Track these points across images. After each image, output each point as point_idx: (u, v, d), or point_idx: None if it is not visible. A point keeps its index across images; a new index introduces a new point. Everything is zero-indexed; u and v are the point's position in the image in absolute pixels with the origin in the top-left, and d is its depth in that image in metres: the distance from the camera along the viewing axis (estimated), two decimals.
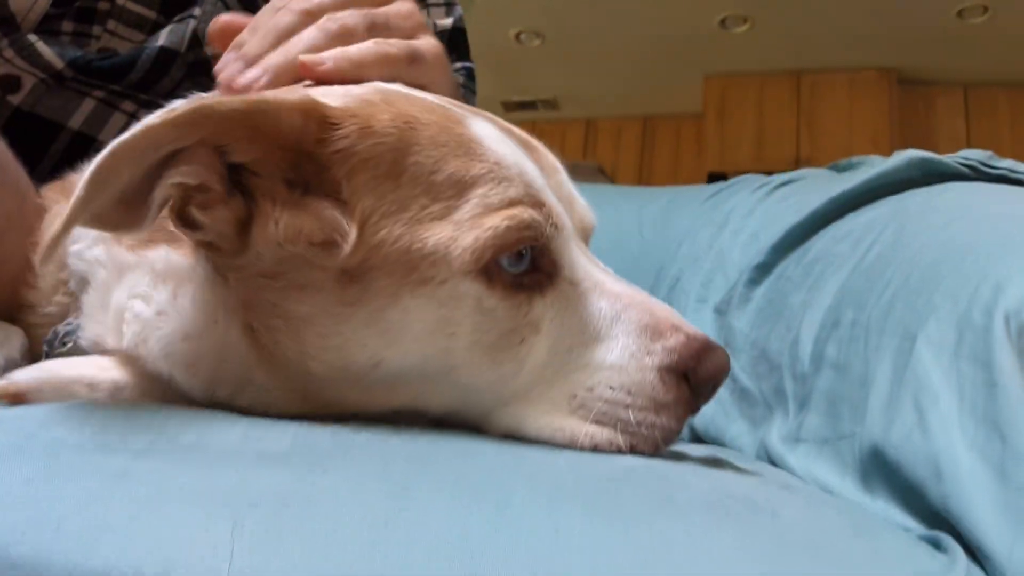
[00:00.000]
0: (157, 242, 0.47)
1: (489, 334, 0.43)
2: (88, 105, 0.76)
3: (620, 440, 0.44)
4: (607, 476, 0.38)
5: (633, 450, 0.44)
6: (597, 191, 1.81)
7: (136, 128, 0.36)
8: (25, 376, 0.45)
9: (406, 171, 0.43)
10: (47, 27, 0.76)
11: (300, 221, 0.41)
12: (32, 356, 0.55)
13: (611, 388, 0.45)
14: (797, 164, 4.80)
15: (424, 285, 0.42)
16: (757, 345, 0.84)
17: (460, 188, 0.43)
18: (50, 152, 0.75)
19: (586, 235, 0.51)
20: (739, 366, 0.86)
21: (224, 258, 0.43)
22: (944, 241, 0.68)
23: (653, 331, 0.46)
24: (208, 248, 0.43)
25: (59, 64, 0.73)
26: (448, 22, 0.98)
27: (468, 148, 0.45)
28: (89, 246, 0.51)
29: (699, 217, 1.25)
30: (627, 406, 0.44)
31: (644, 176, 5.49)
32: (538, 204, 0.45)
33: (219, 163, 0.41)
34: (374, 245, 0.42)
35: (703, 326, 1.00)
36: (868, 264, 0.75)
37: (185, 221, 0.42)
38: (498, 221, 0.43)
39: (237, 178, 0.42)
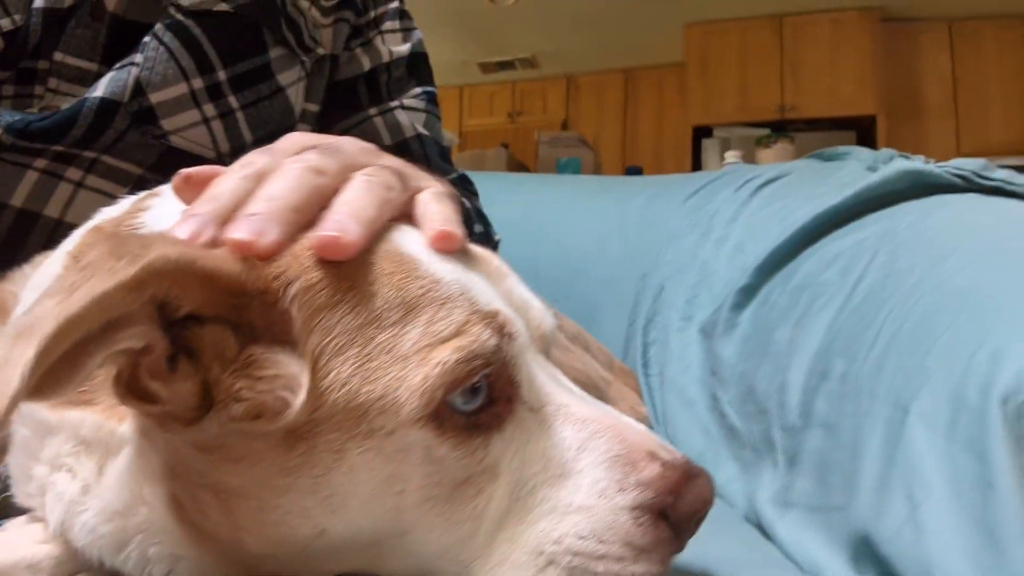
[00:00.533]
0: (78, 403, 0.42)
1: (441, 487, 0.39)
2: (31, 178, 0.71)
3: None
4: None
5: None
6: (576, 184, 1.77)
7: (84, 296, 0.32)
8: None
9: (346, 299, 0.39)
10: None
11: (256, 386, 0.37)
12: None
13: (581, 538, 0.40)
14: (782, 112, 4.73)
15: (371, 438, 0.38)
16: (745, 379, 0.81)
17: (403, 313, 0.39)
18: None
19: (544, 344, 0.47)
20: (727, 399, 0.84)
21: (170, 430, 0.38)
22: (939, 284, 0.65)
23: (625, 462, 0.42)
24: (155, 420, 0.38)
25: None
26: (405, 48, 0.92)
27: (404, 268, 0.40)
28: None
29: (682, 219, 1.21)
30: (600, 556, 0.40)
31: (628, 134, 5.39)
32: (487, 317, 0.41)
33: (159, 319, 0.37)
34: (322, 392, 0.37)
35: (688, 346, 0.98)
36: (858, 301, 0.71)
37: (136, 392, 0.37)
38: (447, 355, 0.38)
39: (178, 335, 0.38)
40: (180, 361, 0.37)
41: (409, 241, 0.43)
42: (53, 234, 0.72)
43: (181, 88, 0.74)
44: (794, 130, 4.38)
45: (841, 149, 1.16)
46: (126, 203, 0.52)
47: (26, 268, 0.58)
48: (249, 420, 0.36)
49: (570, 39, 5.13)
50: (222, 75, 0.77)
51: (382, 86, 0.91)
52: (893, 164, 0.90)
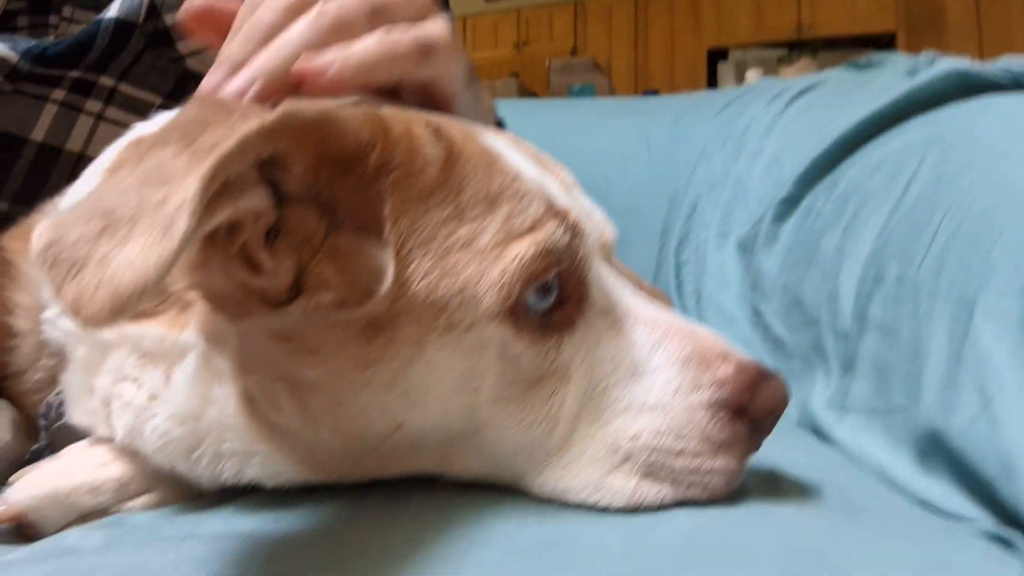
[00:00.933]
0: (137, 316, 0.42)
1: (514, 387, 0.39)
2: (50, 111, 0.69)
3: (676, 495, 0.40)
4: (666, 553, 0.35)
5: (692, 502, 0.40)
6: (595, 107, 1.73)
7: (230, 140, 0.30)
8: (21, 495, 0.41)
9: (438, 189, 0.38)
10: (3, 25, 0.69)
11: (343, 274, 0.36)
12: (27, 425, 0.51)
13: (658, 434, 0.40)
14: (799, 32, 4.59)
15: (450, 332, 0.38)
16: (789, 291, 0.80)
17: (485, 207, 0.39)
18: (15, 169, 0.69)
19: (607, 252, 0.46)
20: (771, 311, 0.83)
21: (253, 316, 0.37)
22: (996, 181, 0.62)
23: (698, 361, 0.42)
24: (241, 304, 0.37)
25: (13, 58, 0.66)
26: None
27: (489, 162, 0.41)
28: (60, 313, 0.46)
29: (712, 135, 1.18)
30: (678, 452, 0.40)
31: (640, 58, 5.26)
32: (560, 214, 0.41)
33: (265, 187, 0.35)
34: (404, 281, 0.37)
35: (726, 263, 0.96)
36: (909, 205, 0.69)
37: (245, 260, 0.35)
38: (524, 248, 0.39)
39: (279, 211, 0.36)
40: (279, 237, 0.36)
41: (492, 137, 0.43)
42: (75, 169, 0.71)
43: None
44: (811, 49, 4.25)
45: (876, 57, 1.11)
46: (161, 118, 0.52)
47: (57, 199, 0.57)
48: (334, 309, 0.36)
49: None
50: None
51: None
52: (938, 65, 0.86)
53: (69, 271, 0.25)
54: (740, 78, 4.32)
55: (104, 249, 0.26)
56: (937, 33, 4.59)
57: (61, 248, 0.26)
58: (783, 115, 1.06)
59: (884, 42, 4.52)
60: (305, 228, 0.36)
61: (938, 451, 0.53)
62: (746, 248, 0.92)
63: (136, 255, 0.26)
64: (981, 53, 4.55)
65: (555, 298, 0.40)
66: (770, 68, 3.42)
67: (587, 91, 3.85)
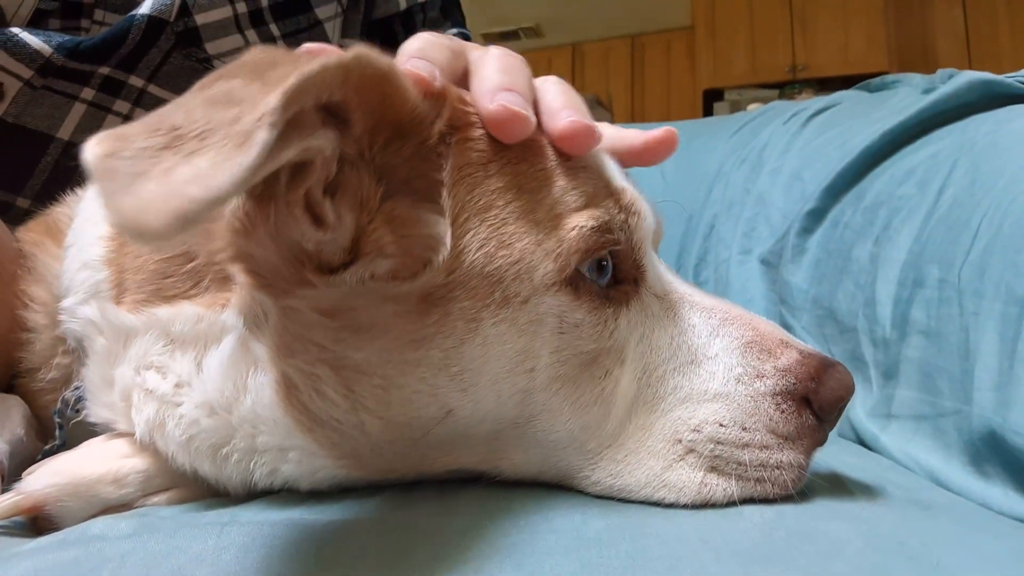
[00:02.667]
0: (169, 298, 0.40)
1: (570, 364, 0.37)
2: (78, 111, 0.69)
3: (745, 490, 0.38)
4: (747, 545, 0.33)
5: (760, 499, 0.38)
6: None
7: (311, 66, 0.28)
8: (40, 483, 0.38)
9: (496, 159, 0.37)
10: (35, 26, 0.69)
11: (400, 242, 0.34)
12: (39, 423, 0.49)
13: (721, 425, 0.38)
14: (794, 72, 4.66)
15: (505, 307, 0.36)
16: (820, 303, 0.78)
17: (542, 179, 0.38)
18: (40, 167, 0.68)
19: (656, 240, 0.45)
20: (801, 326, 0.81)
21: (303, 286, 0.35)
22: None
23: (760, 349, 0.40)
24: (294, 272, 0.35)
25: (47, 51, 0.66)
26: None
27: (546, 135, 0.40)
28: (80, 302, 0.44)
29: (727, 155, 1.17)
30: (744, 445, 0.38)
31: (637, 100, 5.32)
32: (617, 193, 0.40)
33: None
34: (460, 251, 0.35)
35: (749, 280, 0.95)
36: (944, 211, 0.68)
37: (308, 209, 0.33)
38: (583, 220, 0.37)
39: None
40: (337, 195, 0.34)
41: None
42: None
43: (226, 11, 0.73)
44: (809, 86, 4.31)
45: (890, 78, 1.12)
46: None
47: (78, 191, 0.56)
48: (388, 280, 0.34)
49: (575, 6, 5.05)
50: (264, 1, 0.76)
51: (417, 25, 0.91)
52: (961, 76, 0.86)
53: (128, 182, 0.23)
54: (746, 108, 4.38)
55: (169, 162, 0.24)
56: (928, 73, 4.66)
57: (120, 158, 0.24)
58: (800, 134, 1.06)
59: None
60: (361, 191, 0.34)
61: (995, 452, 0.51)
62: (771, 264, 0.91)
63: (207, 167, 0.24)
64: None
65: (610, 279, 0.39)
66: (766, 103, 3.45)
67: None
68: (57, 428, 0.46)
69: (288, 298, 0.35)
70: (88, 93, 0.69)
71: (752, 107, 2.86)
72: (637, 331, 0.40)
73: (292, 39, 0.78)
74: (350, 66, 0.30)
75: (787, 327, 0.84)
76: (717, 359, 0.40)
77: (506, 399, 0.37)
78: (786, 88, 3.65)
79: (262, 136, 0.25)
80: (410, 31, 0.90)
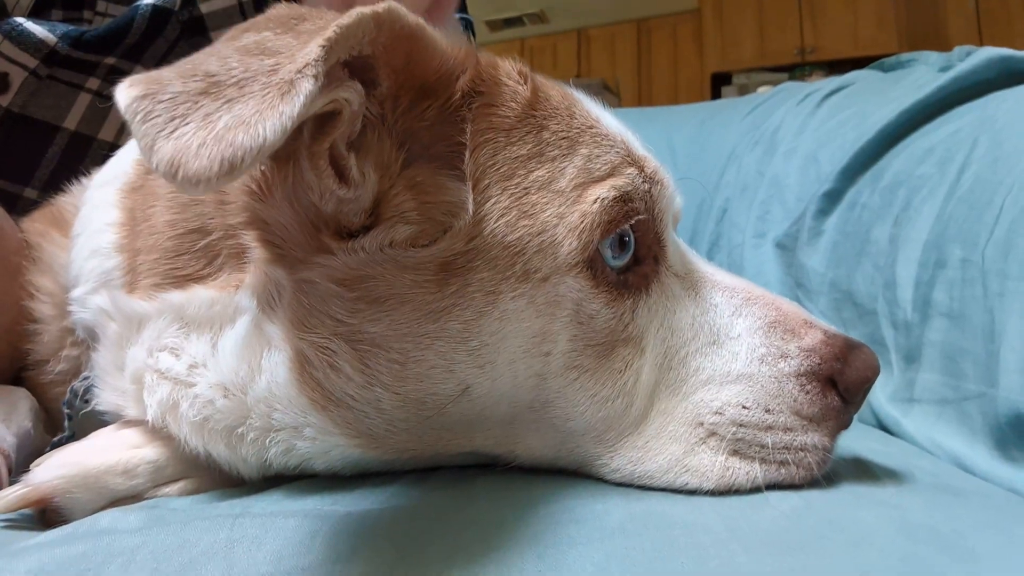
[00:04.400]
0: (183, 279, 0.39)
1: (587, 354, 0.36)
2: (83, 101, 0.69)
3: (768, 474, 0.36)
4: (775, 533, 0.31)
5: (785, 483, 0.37)
6: (618, 116, 1.71)
7: (347, 17, 0.28)
8: (48, 475, 0.37)
9: (519, 125, 0.37)
10: (38, 16, 0.69)
11: (421, 208, 0.34)
12: (47, 416, 0.48)
13: (744, 407, 0.37)
14: (803, 55, 4.61)
15: (525, 281, 0.35)
16: (838, 287, 0.76)
17: (565, 148, 0.37)
18: (47, 157, 0.68)
19: (676, 219, 0.44)
20: (819, 310, 0.79)
21: (320, 257, 0.34)
22: None
23: (783, 329, 0.39)
24: (312, 236, 0.34)
25: (52, 40, 0.66)
26: None
27: (570, 104, 0.39)
28: (90, 291, 0.44)
29: (740, 137, 1.16)
30: (767, 427, 0.37)
31: (643, 85, 5.28)
32: (639, 162, 0.39)
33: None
34: (481, 218, 0.35)
35: (765, 263, 0.93)
36: (966, 190, 0.67)
37: (332, 163, 0.33)
38: (604, 192, 0.36)
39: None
40: (359, 153, 0.33)
41: (568, 87, 0.42)
42: (107, 158, 0.71)
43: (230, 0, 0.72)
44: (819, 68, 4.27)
45: (905, 56, 1.10)
46: None
47: (83, 180, 0.56)
48: (407, 247, 0.34)
49: None
50: None
51: None
52: (979, 53, 0.84)
53: (166, 126, 0.23)
54: (756, 91, 4.33)
55: (208, 108, 0.24)
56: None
57: (156, 101, 0.24)
58: (815, 114, 1.04)
59: None
60: (383, 155, 0.34)
61: (1021, 436, 0.50)
62: (786, 247, 0.89)
63: (250, 115, 0.24)
64: None
65: (631, 256, 0.38)
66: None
67: None
68: (66, 419, 0.45)
69: (304, 269, 0.34)
70: (93, 83, 0.69)
71: (762, 90, 2.82)
72: (658, 317, 0.39)
73: None
74: (383, 19, 0.30)
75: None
76: (740, 339, 0.39)
77: (522, 381, 0.36)
78: (796, 71, 3.61)
79: (307, 86, 0.25)
80: None
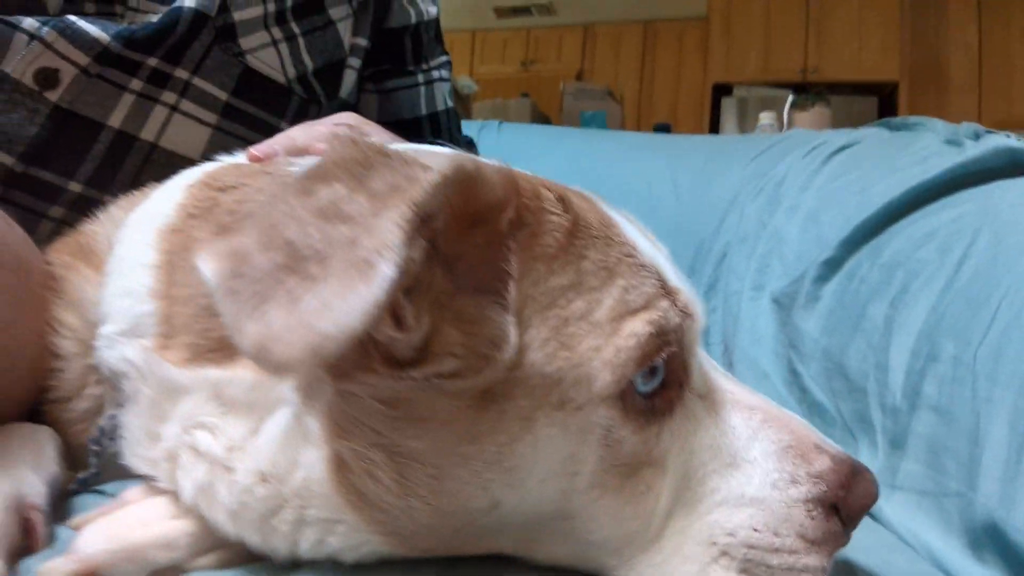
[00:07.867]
0: (216, 345, 0.40)
1: (612, 474, 0.38)
2: (127, 100, 0.71)
3: None
4: None
5: None
6: (622, 142, 1.72)
7: (418, 187, 0.29)
8: (95, 549, 0.38)
9: (561, 255, 0.38)
10: (70, 11, 0.69)
11: (468, 341, 0.35)
12: (68, 450, 0.48)
13: (755, 530, 0.39)
14: (805, 74, 4.64)
15: (560, 410, 0.37)
16: (831, 356, 0.79)
17: (604, 278, 0.38)
18: (92, 152, 0.70)
19: (701, 334, 0.46)
20: (809, 375, 0.82)
21: (370, 374, 0.35)
22: None
23: (796, 454, 0.41)
24: (362, 362, 0.34)
25: (105, 38, 0.68)
26: (434, 11, 0.99)
27: (608, 232, 0.40)
28: (121, 333, 0.44)
29: (744, 183, 1.18)
30: (775, 549, 0.39)
31: (645, 88, 5.28)
32: (672, 294, 0.40)
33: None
34: (521, 349, 0.36)
35: (760, 317, 0.96)
36: (964, 282, 0.69)
37: (392, 314, 0.33)
38: (639, 327, 0.38)
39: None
40: (413, 293, 0.34)
41: (606, 206, 0.42)
42: (148, 157, 0.74)
43: (258, 10, 0.77)
44: (815, 93, 4.30)
45: (912, 119, 1.12)
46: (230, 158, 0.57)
47: (112, 210, 0.55)
48: (453, 378, 0.35)
49: None
50: (289, 1, 0.80)
51: (424, 45, 0.97)
52: (988, 140, 0.87)
53: (252, 306, 0.24)
54: (743, 114, 4.35)
55: (291, 284, 0.24)
56: (939, 86, 4.66)
57: (242, 278, 0.24)
58: (820, 171, 1.06)
59: (886, 92, 4.58)
60: (434, 287, 0.34)
61: (995, 543, 0.53)
62: (783, 304, 0.92)
63: (333, 298, 0.24)
64: (980, 108, 4.65)
65: (658, 382, 0.40)
66: (773, 109, 3.38)
67: (599, 118, 3.85)
68: (91, 456, 0.46)
69: (348, 383, 0.36)
70: (136, 84, 0.70)
71: (763, 116, 2.85)
72: (680, 439, 0.40)
73: (311, 36, 0.82)
74: (451, 181, 0.31)
75: (795, 374, 0.86)
76: (755, 463, 0.41)
77: (549, 498, 0.38)
78: (799, 99, 3.64)
79: (388, 272, 0.25)
80: (417, 48, 0.96)
